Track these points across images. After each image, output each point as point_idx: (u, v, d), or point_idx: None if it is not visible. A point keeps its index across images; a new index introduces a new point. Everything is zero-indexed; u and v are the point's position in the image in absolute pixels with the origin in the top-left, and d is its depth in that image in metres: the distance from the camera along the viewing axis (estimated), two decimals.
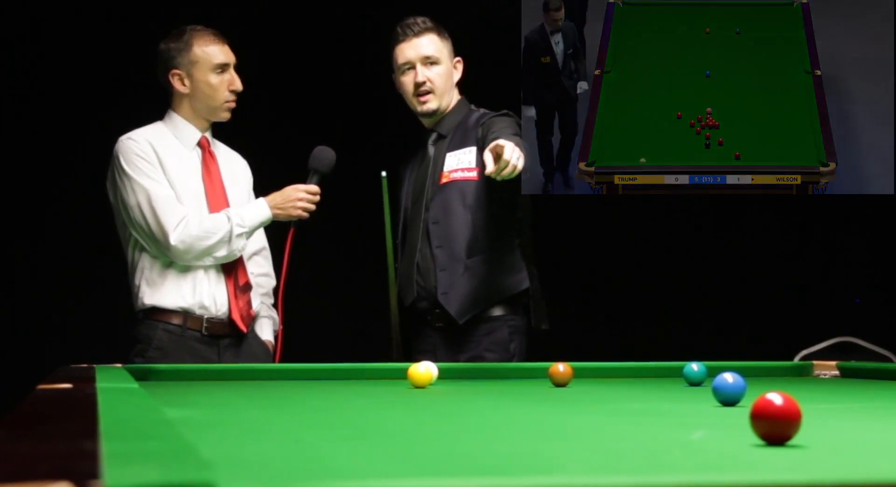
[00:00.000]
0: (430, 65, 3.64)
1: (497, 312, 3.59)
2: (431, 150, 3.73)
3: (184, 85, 3.57)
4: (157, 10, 4.76)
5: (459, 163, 3.62)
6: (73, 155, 4.76)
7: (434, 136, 3.73)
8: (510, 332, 3.58)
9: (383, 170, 3.63)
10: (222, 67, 3.57)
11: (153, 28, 3.76)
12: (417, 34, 3.64)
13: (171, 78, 3.58)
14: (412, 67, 3.64)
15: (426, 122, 3.74)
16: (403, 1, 4.08)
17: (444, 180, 3.63)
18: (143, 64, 3.81)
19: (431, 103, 3.65)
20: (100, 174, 3.61)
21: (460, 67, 3.73)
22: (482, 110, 3.74)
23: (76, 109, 4.89)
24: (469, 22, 4.44)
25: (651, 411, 2.18)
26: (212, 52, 3.56)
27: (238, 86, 3.59)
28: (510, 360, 3.54)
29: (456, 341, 3.58)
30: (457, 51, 3.74)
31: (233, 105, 3.61)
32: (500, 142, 3.10)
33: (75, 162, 4.66)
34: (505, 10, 5.22)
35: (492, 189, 3.53)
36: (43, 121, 4.93)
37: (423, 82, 3.63)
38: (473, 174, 3.60)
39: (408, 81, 3.66)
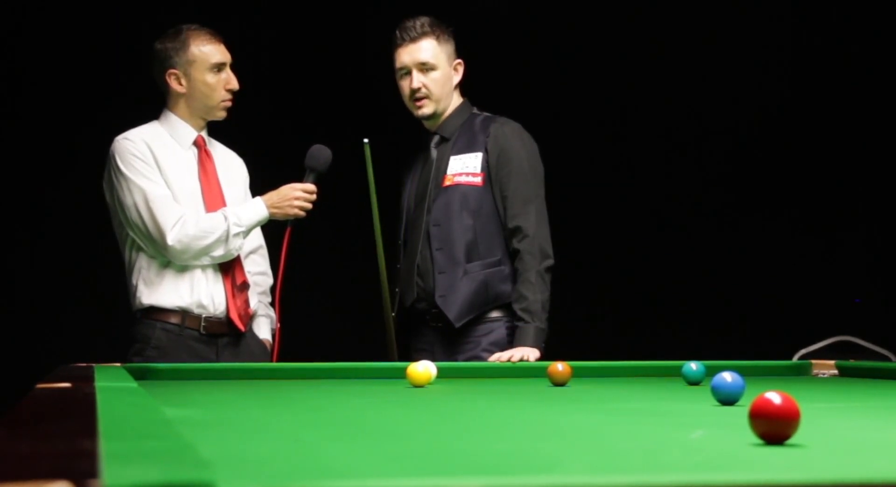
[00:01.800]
0: (426, 71, 3.64)
1: (496, 313, 3.60)
2: (434, 152, 3.73)
3: (181, 84, 3.57)
4: (153, 10, 4.75)
5: (464, 167, 3.64)
6: (71, 155, 4.75)
7: (437, 138, 3.73)
8: (508, 333, 3.58)
9: (365, 137, 3.60)
10: (219, 67, 3.57)
11: (150, 27, 3.75)
12: (414, 39, 3.64)
13: (167, 78, 3.57)
14: (409, 72, 3.65)
15: (428, 124, 3.74)
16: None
17: (447, 183, 3.64)
18: (138, 63, 3.80)
19: (427, 108, 3.66)
20: (97, 174, 3.60)
21: (461, 69, 3.73)
22: (485, 114, 3.74)
23: (73, 110, 4.88)
24: (471, 22, 4.44)
25: (650, 410, 2.18)
26: (209, 52, 3.56)
27: (235, 85, 3.59)
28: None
29: (454, 341, 3.58)
30: (459, 52, 3.73)
31: (230, 104, 3.61)
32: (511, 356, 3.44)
33: (73, 162, 4.66)
34: (508, 11, 5.23)
35: (496, 196, 3.60)
36: (40, 121, 4.92)
37: (419, 88, 3.64)
38: (478, 180, 3.62)
39: (405, 85, 3.68)
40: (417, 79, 3.63)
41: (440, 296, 3.57)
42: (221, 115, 3.62)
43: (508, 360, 3.39)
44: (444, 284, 3.56)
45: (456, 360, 3.51)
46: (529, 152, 3.67)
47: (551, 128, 4.41)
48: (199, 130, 3.63)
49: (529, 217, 3.59)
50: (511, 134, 3.66)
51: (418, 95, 3.64)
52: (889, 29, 5.40)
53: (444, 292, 3.56)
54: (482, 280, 3.58)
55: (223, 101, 3.59)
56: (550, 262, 3.60)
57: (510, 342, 3.56)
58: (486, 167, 3.62)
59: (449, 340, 3.59)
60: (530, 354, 3.44)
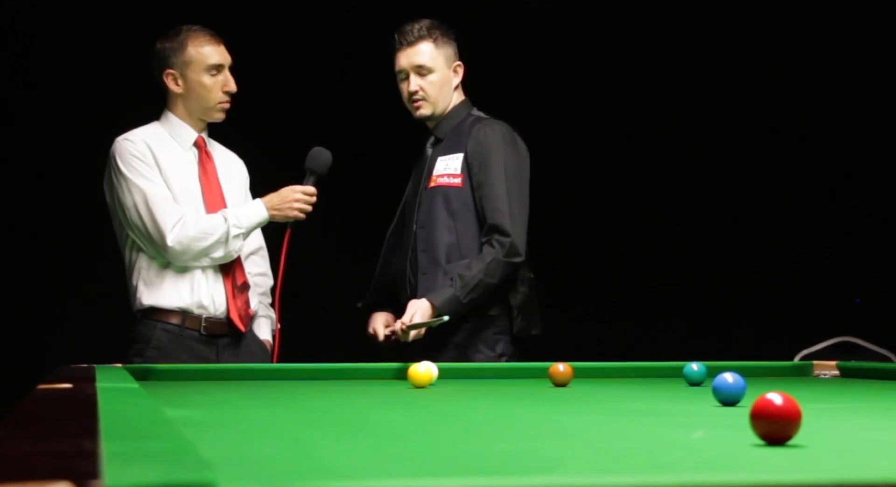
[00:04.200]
0: (423, 74, 3.65)
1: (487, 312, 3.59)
2: (429, 152, 3.74)
3: (178, 85, 3.57)
4: (155, 10, 4.76)
5: (447, 168, 3.64)
6: (72, 155, 4.75)
7: (432, 139, 3.75)
8: (497, 332, 3.57)
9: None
10: (216, 68, 3.56)
11: (151, 27, 3.76)
12: (412, 43, 3.65)
13: (165, 78, 3.57)
14: (407, 75, 3.66)
15: (428, 125, 3.75)
16: (402, 1, 4.08)
17: (431, 185, 3.66)
18: (139, 64, 3.80)
19: (424, 110, 3.68)
20: (98, 175, 3.61)
21: (461, 71, 3.73)
22: (479, 114, 3.75)
23: (73, 110, 4.88)
24: (475, 24, 4.44)
25: (651, 411, 2.18)
26: (206, 53, 3.55)
27: (232, 87, 3.57)
28: (498, 360, 3.54)
29: (443, 339, 3.57)
30: (461, 53, 3.74)
31: (227, 106, 3.60)
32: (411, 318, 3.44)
33: (74, 162, 4.66)
34: (509, 13, 5.23)
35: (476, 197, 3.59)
36: (40, 121, 4.92)
37: (415, 91, 3.65)
38: (458, 181, 3.61)
39: (403, 88, 3.70)
40: (414, 82, 3.64)
41: (421, 297, 3.56)
42: (219, 117, 3.61)
43: (409, 321, 3.40)
44: (425, 285, 3.57)
45: (440, 358, 3.50)
46: (510, 152, 3.63)
47: (553, 129, 4.41)
48: (200, 131, 3.63)
49: (505, 217, 3.54)
50: (492, 134, 3.62)
51: (415, 97, 3.66)
52: (892, 28, 5.40)
53: (424, 293, 3.56)
54: None
55: (219, 102, 3.57)
56: (518, 259, 3.54)
57: (499, 343, 3.56)
58: (466, 168, 3.62)
59: (438, 338, 3.58)
60: (419, 312, 3.42)
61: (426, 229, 3.63)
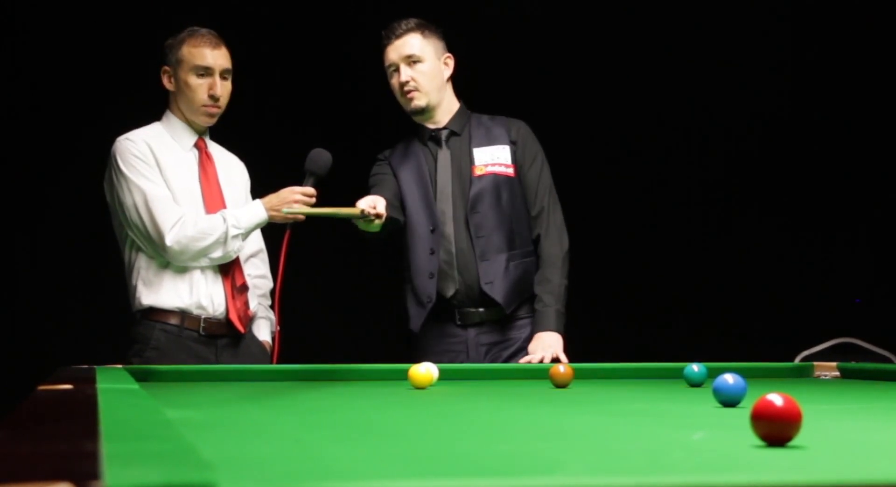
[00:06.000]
0: (413, 64, 3.67)
1: (525, 311, 3.65)
2: (445, 146, 3.73)
3: (170, 83, 3.59)
4: (155, 10, 4.76)
5: (494, 158, 3.70)
6: (72, 155, 4.75)
7: (446, 132, 3.74)
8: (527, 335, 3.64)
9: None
10: (204, 70, 3.54)
11: (153, 28, 3.76)
12: (399, 36, 3.68)
13: (162, 74, 3.60)
14: (397, 68, 3.67)
15: (419, 119, 3.73)
16: (400, 2, 4.08)
17: (479, 173, 3.68)
18: (141, 64, 3.80)
19: (419, 100, 3.68)
20: (98, 175, 3.61)
21: (451, 63, 3.75)
22: (484, 114, 3.79)
23: (74, 110, 4.89)
24: (472, 24, 4.44)
25: (651, 411, 2.18)
26: (197, 54, 3.54)
27: (217, 91, 3.55)
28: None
29: (490, 339, 3.61)
30: (454, 54, 3.75)
31: (212, 111, 3.57)
32: (534, 357, 3.48)
33: (74, 162, 4.66)
34: (504, 14, 5.23)
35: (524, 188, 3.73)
36: (41, 121, 4.92)
37: (407, 81, 3.66)
38: (510, 171, 3.70)
39: (395, 82, 3.71)
40: (405, 72, 3.66)
41: (487, 283, 3.59)
42: (204, 120, 3.59)
43: (541, 361, 3.42)
44: (490, 270, 3.60)
45: (498, 358, 3.56)
46: (539, 146, 3.79)
47: (551, 129, 4.40)
48: (199, 132, 3.63)
49: (552, 205, 3.71)
50: (526, 129, 3.78)
51: (407, 87, 3.66)
52: (889, 29, 5.40)
53: (490, 278, 3.60)
54: (524, 268, 3.66)
55: (203, 105, 3.55)
56: (568, 246, 3.70)
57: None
58: (514, 158, 3.71)
59: (485, 338, 3.61)
60: (556, 346, 3.49)
61: (481, 215, 3.66)
